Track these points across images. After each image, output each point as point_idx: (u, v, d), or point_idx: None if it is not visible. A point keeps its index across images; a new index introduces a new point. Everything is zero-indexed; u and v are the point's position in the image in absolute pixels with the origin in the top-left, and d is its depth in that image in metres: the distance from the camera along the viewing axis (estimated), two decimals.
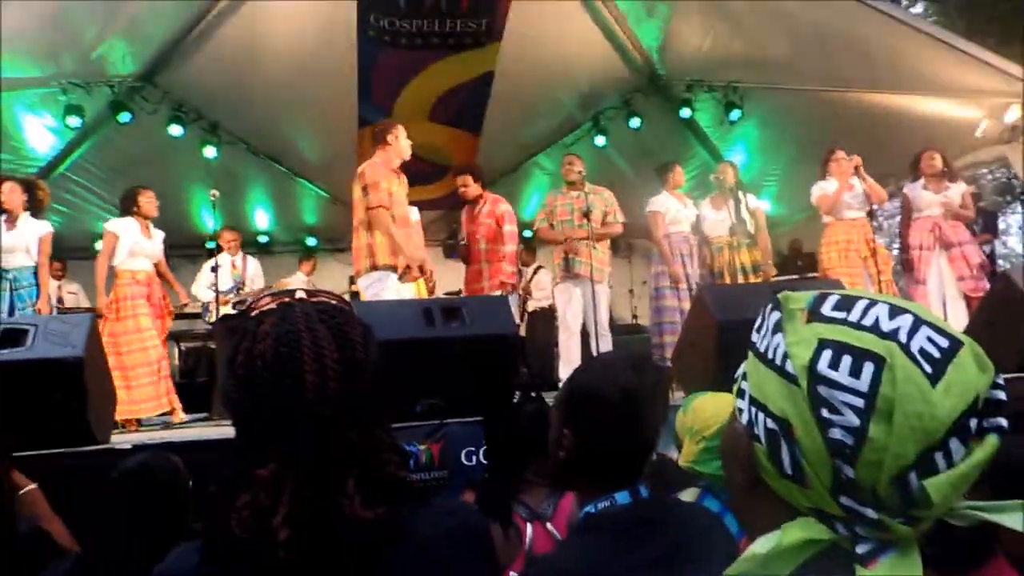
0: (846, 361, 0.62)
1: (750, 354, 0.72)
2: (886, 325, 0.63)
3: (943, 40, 6.49)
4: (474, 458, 2.73)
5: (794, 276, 6.71)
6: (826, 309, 0.67)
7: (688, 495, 1.94)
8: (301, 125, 8.02)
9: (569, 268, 5.51)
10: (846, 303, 0.66)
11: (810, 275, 6.51)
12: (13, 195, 5.01)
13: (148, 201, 5.35)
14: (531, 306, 7.84)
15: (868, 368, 0.61)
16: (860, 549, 0.62)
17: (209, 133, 7.54)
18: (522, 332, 7.61)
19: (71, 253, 7.89)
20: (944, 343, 0.62)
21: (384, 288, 4.51)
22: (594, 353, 5.40)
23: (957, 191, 5.47)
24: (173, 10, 6.35)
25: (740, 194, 5.83)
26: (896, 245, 8.00)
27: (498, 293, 5.21)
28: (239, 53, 6.81)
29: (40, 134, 7.05)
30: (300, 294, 1.04)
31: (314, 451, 0.93)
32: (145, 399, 4.95)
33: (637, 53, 7.61)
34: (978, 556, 1.19)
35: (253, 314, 1.01)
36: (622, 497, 1.27)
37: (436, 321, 2.96)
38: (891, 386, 0.60)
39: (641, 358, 1.47)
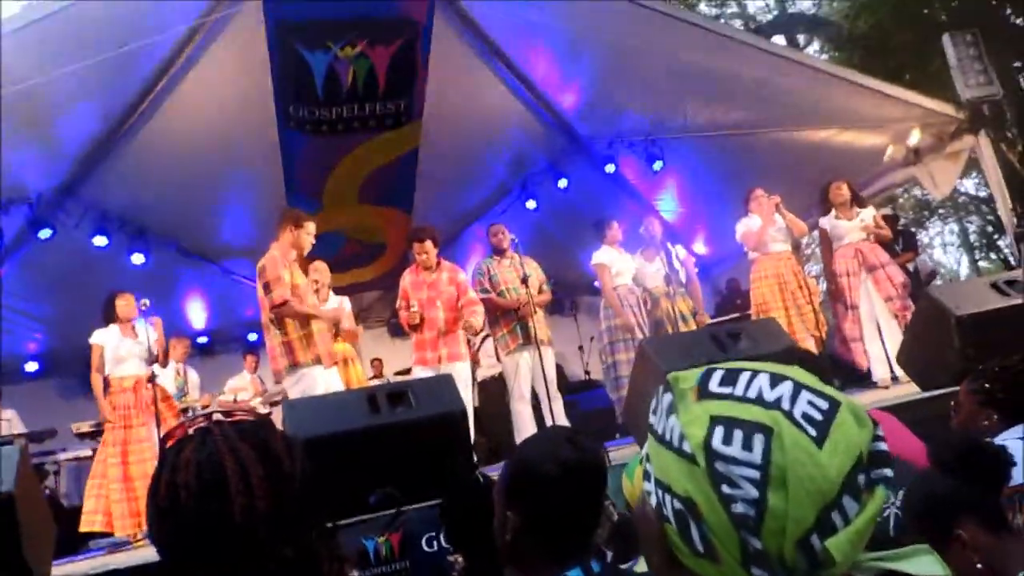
0: (738, 435, 0.64)
1: (649, 437, 0.74)
2: (769, 395, 0.66)
3: (841, 76, 6.90)
4: (435, 543, 2.67)
5: (731, 316, 6.85)
6: (713, 385, 0.69)
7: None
8: (231, 219, 7.99)
9: (526, 334, 5.50)
10: (730, 377, 0.69)
11: (747, 313, 6.66)
12: None
13: (125, 304, 5.31)
14: (480, 375, 7.80)
15: (759, 440, 0.64)
16: None
17: (136, 239, 7.41)
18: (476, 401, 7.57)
19: (2, 378, 7.59)
20: (824, 405, 0.65)
21: (313, 383, 4.30)
22: (546, 417, 5.39)
23: (868, 214, 5.70)
24: (90, 119, 6.32)
25: (668, 245, 6.00)
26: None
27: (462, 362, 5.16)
28: (162, 155, 6.78)
29: None
30: (217, 416, 1.03)
31: (248, 573, 0.91)
32: (122, 515, 4.79)
33: (555, 115, 7.83)
34: None
35: (170, 444, 0.99)
36: (574, 574, 1.26)
37: (382, 408, 2.92)
38: (781, 454, 0.62)
39: (575, 432, 1.47)
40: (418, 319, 5.09)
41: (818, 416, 0.64)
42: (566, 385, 7.67)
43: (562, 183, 8.19)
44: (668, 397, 0.72)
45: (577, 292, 9.44)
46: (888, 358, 5.26)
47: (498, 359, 5.96)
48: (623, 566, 1.57)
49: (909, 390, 4.30)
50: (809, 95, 6.80)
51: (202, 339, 9.09)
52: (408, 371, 5.98)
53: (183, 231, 7.84)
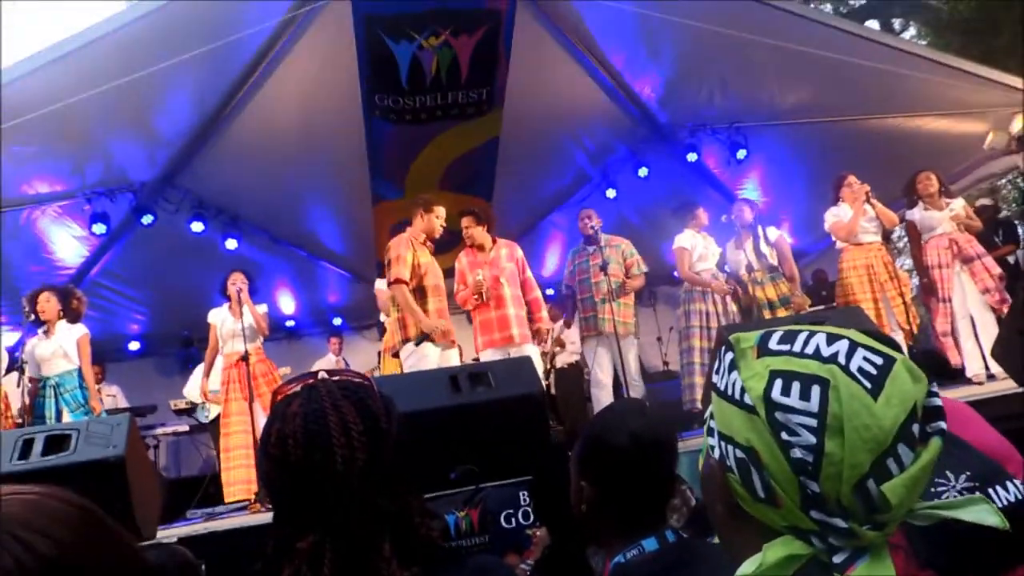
0: (796, 387, 0.69)
1: (712, 395, 0.78)
2: (826, 351, 0.70)
3: (937, 60, 6.59)
4: (513, 520, 2.73)
5: (815, 308, 6.65)
6: (772, 343, 0.74)
7: None
8: (318, 208, 8.23)
9: (594, 326, 5.53)
10: (789, 337, 0.74)
11: (832, 305, 6.46)
12: (49, 304, 5.17)
13: (232, 284, 5.48)
14: (560, 361, 7.83)
15: (816, 390, 0.68)
16: (837, 559, 0.68)
17: (230, 226, 7.75)
18: (553, 388, 7.62)
19: (106, 356, 8.06)
20: (879, 360, 0.69)
21: (423, 359, 4.49)
22: None
23: (959, 205, 5.46)
24: (187, 112, 6.63)
25: (759, 229, 5.84)
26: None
27: (532, 345, 5.16)
28: (253, 145, 7.05)
29: (68, 243, 7.30)
30: (322, 374, 1.10)
31: (348, 520, 0.98)
32: (231, 482, 5.12)
33: (636, 103, 7.76)
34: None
35: (280, 398, 1.08)
36: (649, 544, 1.29)
37: (463, 388, 2.99)
38: (838, 404, 0.66)
39: (647, 404, 1.50)
40: (483, 290, 5.03)
41: (873, 370, 0.68)
42: (644, 376, 7.63)
43: (642, 172, 8.12)
44: (729, 355, 0.76)
45: (656, 282, 9.35)
46: (983, 354, 5.04)
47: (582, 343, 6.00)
48: None
49: (1005, 386, 4.12)
50: (902, 80, 6.53)
51: (290, 323, 9.43)
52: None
53: (273, 218, 8.13)
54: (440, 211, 4.92)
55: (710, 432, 0.79)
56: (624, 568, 1.29)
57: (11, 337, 6.14)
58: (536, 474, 2.05)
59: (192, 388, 7.08)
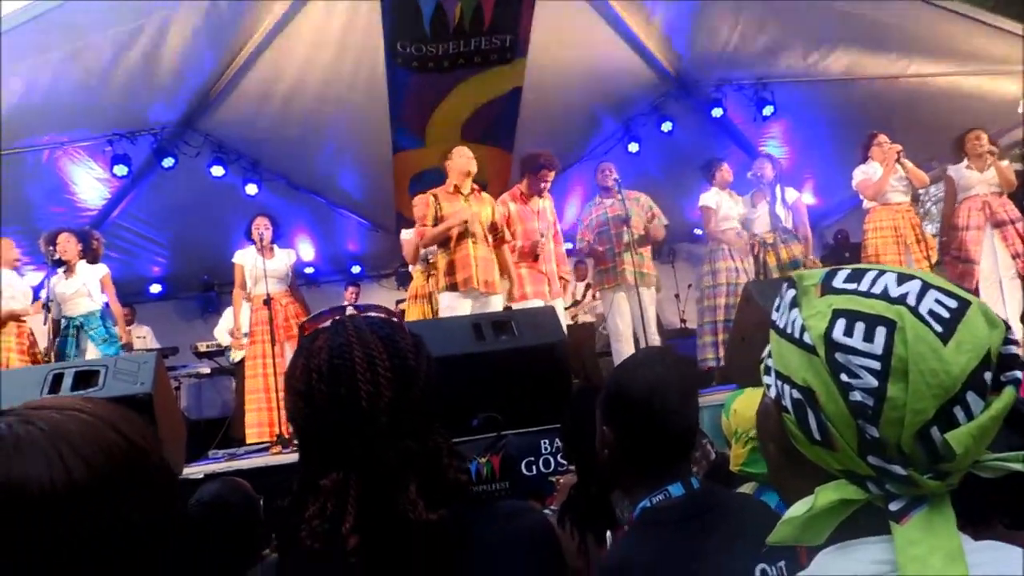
0: (859, 327, 0.65)
1: (771, 332, 0.75)
2: (894, 291, 0.66)
3: (973, 16, 6.37)
4: (534, 468, 2.76)
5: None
6: (837, 282, 0.70)
7: (746, 490, 1.94)
8: (337, 156, 8.18)
9: (614, 277, 5.52)
10: (856, 275, 0.70)
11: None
12: (69, 245, 5.21)
13: (256, 227, 5.42)
14: (580, 319, 7.83)
15: (881, 332, 0.64)
16: (893, 506, 0.65)
17: (250, 171, 7.74)
18: None
19: (128, 298, 8.15)
20: (952, 304, 0.65)
21: (456, 307, 4.56)
22: None
23: (1001, 167, 5.34)
24: (208, 56, 6.57)
25: (779, 189, 5.76)
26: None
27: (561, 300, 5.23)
28: (273, 91, 7.01)
29: (90, 185, 7.32)
30: (351, 310, 1.09)
31: (373, 458, 0.96)
32: (253, 424, 5.18)
33: (662, 57, 7.61)
34: None
35: (307, 333, 1.07)
36: (676, 489, 1.29)
37: (486, 335, 3.00)
38: (903, 346, 0.63)
39: (668, 352, 1.49)
40: (539, 248, 5.10)
41: (945, 313, 0.64)
42: (661, 332, 7.62)
43: (666, 126, 8.00)
44: (791, 292, 0.73)
45: (676, 239, 9.28)
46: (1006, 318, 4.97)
47: (593, 297, 5.99)
48: None
49: None
50: (936, 36, 6.34)
51: (309, 270, 9.46)
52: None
53: (293, 165, 8.09)
54: (461, 150, 4.92)
55: (767, 371, 0.76)
56: (651, 512, 1.29)
57: (35, 277, 6.20)
58: (562, 420, 2.05)
59: (222, 330, 7.14)
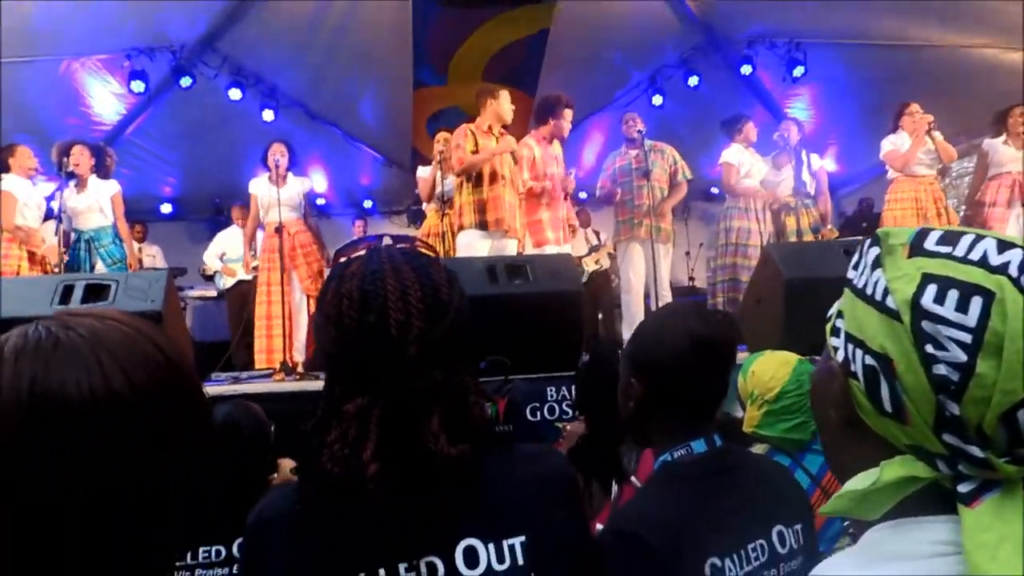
0: (952, 295, 0.60)
1: (846, 291, 0.70)
2: (995, 259, 0.61)
3: None
4: (539, 414, 2.76)
5: (859, 237, 6.51)
6: (929, 244, 0.65)
7: (757, 451, 1.94)
8: (357, 87, 8.06)
9: (631, 230, 5.48)
10: (951, 238, 0.64)
11: None
12: (82, 158, 5.15)
13: (271, 154, 5.37)
14: (602, 263, 7.80)
15: (976, 302, 0.59)
16: (963, 488, 0.61)
17: (267, 96, 7.63)
18: None
19: (139, 215, 8.13)
20: None
21: (476, 245, 4.62)
22: None
23: None
24: None
25: (804, 154, 5.67)
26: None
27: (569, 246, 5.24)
28: (296, 17, 6.86)
29: (106, 99, 7.23)
30: (387, 239, 1.06)
31: (399, 388, 0.95)
32: (261, 350, 5.24)
33: (694, 6, 7.42)
34: None
35: (342, 259, 1.04)
36: (698, 445, 1.28)
37: (500, 278, 2.97)
38: (1001, 320, 0.58)
39: (704, 307, 1.46)
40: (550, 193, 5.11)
41: None
42: (671, 290, 7.59)
43: (692, 81, 7.86)
44: (875, 250, 0.68)
45: (692, 196, 9.17)
46: None
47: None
48: None
49: None
50: (980, 7, 6.15)
51: (320, 200, 9.41)
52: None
53: (311, 94, 7.99)
54: (506, 95, 4.93)
55: (834, 332, 0.71)
56: (672, 466, 1.28)
57: (46, 188, 6.17)
58: (577, 370, 2.04)
59: (211, 255, 7.17)
